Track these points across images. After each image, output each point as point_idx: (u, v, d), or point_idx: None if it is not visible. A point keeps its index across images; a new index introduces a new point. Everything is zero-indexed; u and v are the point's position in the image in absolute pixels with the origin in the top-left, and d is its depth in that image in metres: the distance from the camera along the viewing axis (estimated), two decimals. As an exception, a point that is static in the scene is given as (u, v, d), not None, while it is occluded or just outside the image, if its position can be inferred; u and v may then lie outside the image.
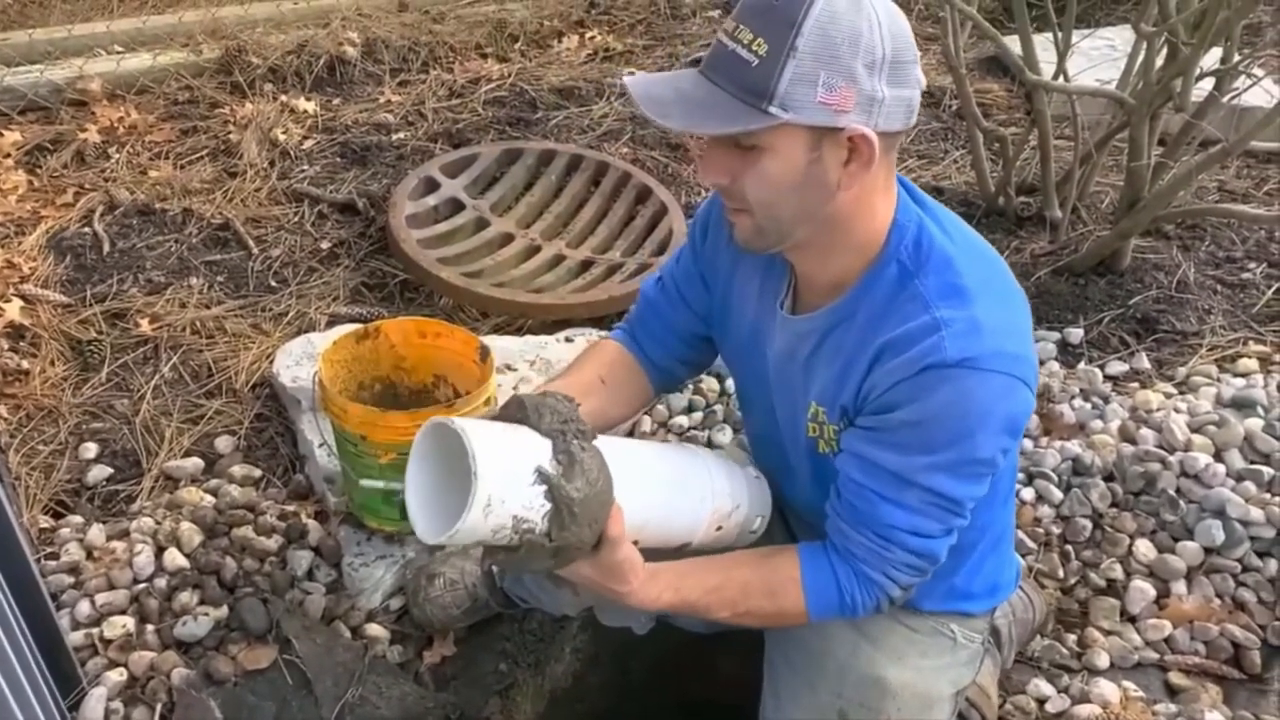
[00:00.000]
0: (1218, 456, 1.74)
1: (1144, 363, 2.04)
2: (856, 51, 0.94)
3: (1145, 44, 2.12)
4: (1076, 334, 2.12)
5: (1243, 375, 1.97)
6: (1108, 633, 1.58)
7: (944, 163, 2.80)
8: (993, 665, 1.41)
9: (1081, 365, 2.04)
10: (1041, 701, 1.48)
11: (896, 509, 1.05)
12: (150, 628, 1.46)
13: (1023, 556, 1.66)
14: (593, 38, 3.42)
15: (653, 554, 1.10)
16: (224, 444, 1.82)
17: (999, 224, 2.48)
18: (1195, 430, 1.79)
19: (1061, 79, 2.29)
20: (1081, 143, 2.32)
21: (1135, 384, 2.00)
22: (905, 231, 1.05)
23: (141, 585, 1.52)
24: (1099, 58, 2.83)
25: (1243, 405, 1.84)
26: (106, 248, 2.26)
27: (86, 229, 2.31)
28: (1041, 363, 2.07)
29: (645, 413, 1.91)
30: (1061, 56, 2.28)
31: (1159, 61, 2.12)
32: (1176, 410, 1.85)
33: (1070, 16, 2.28)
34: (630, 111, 2.99)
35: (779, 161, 0.98)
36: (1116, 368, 2.04)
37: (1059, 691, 1.49)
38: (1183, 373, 2.01)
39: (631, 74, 1.08)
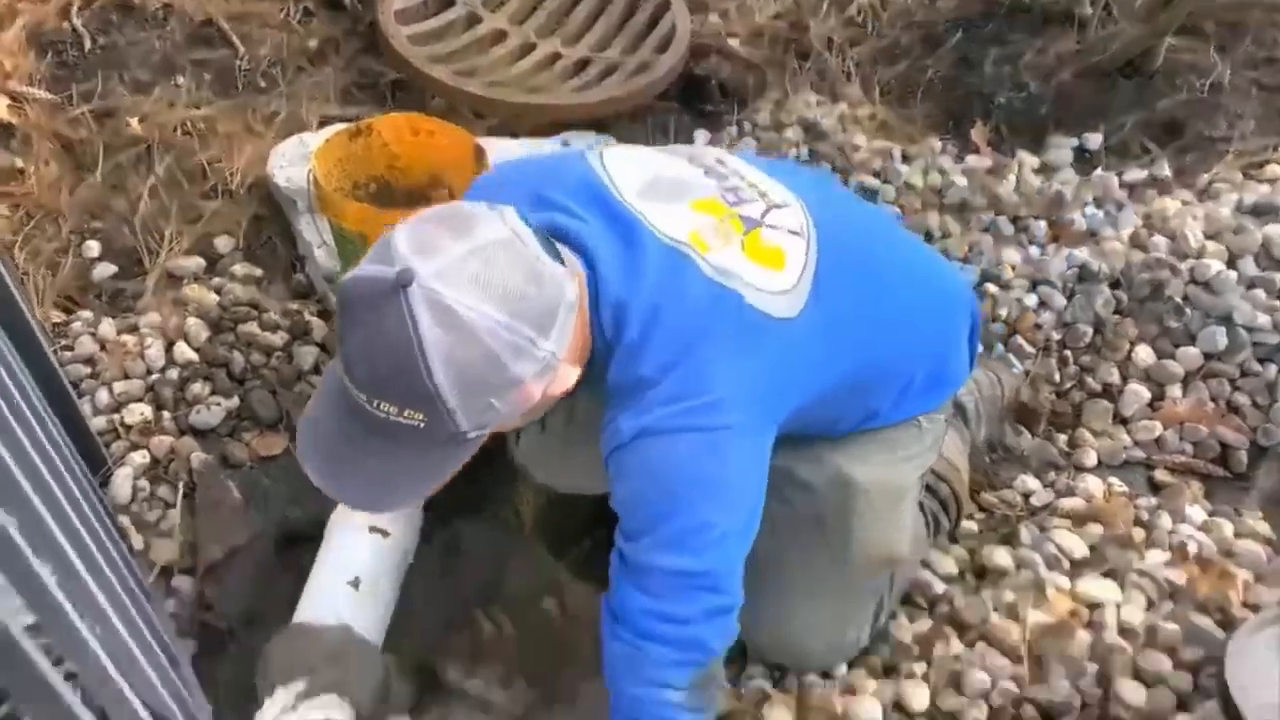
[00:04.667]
0: (1231, 264, 1.71)
1: (1164, 170, 1.97)
2: (499, 363, 0.87)
3: None
4: (1095, 140, 2.05)
5: (1269, 182, 1.90)
6: (1099, 434, 1.61)
7: (971, -44, 2.60)
8: (960, 440, 1.43)
9: (1098, 172, 1.97)
10: (1027, 495, 1.52)
11: (642, 595, 0.99)
12: (167, 415, 1.50)
13: (1020, 361, 1.67)
14: None
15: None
16: (224, 244, 1.81)
17: (1023, 23, 2.33)
18: (1210, 237, 1.76)
19: None
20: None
21: (1153, 191, 1.94)
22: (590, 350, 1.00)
23: (155, 376, 1.55)
24: None
25: (1263, 212, 1.79)
26: (88, 44, 2.17)
27: (65, 24, 2.21)
28: (1055, 169, 2.00)
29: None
30: None
31: None
32: (1193, 217, 1.80)
33: None
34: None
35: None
36: (1135, 175, 1.97)
37: (1044, 486, 1.54)
38: (1205, 180, 1.95)
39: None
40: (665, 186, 1.05)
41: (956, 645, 1.31)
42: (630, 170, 1.06)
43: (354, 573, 1.21)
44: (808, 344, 1.02)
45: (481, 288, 0.85)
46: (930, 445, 1.27)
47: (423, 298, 0.84)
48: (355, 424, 0.91)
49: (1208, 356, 1.64)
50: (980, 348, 1.50)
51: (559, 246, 0.96)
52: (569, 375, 0.95)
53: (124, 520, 1.37)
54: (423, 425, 0.88)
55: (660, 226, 1.00)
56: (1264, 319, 1.62)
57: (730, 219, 1.03)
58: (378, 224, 1.47)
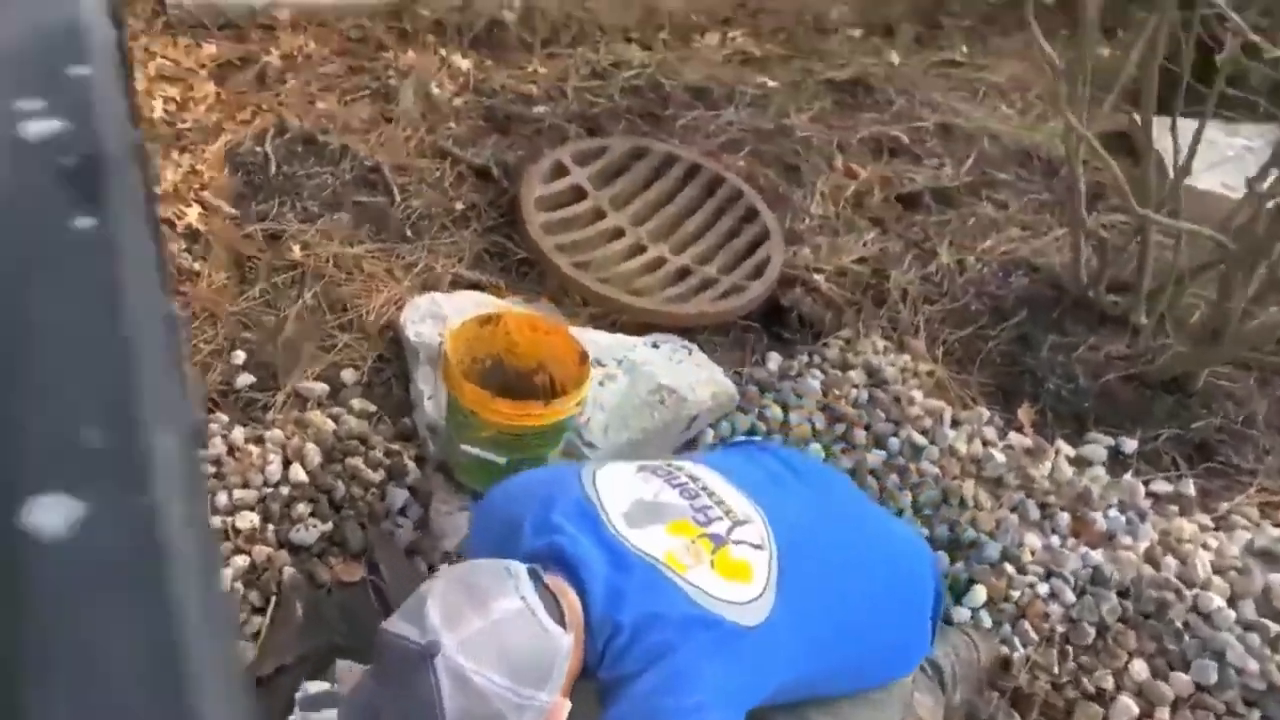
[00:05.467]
0: (1231, 602, 1.85)
1: (1190, 489, 2.13)
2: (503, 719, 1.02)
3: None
4: (1130, 445, 2.22)
5: (1280, 526, 2.06)
6: (1085, 737, 1.72)
7: (1046, 238, 2.85)
8: (933, 701, 1.56)
9: (1127, 476, 2.14)
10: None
11: None
12: (271, 527, 1.72)
13: (1024, 646, 1.81)
14: (734, 38, 3.51)
15: None
16: (349, 376, 2.06)
17: (1083, 317, 2.55)
18: (1218, 571, 1.90)
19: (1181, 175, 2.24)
20: (1180, 263, 2.36)
21: (1175, 508, 2.09)
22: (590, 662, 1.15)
23: (269, 490, 1.78)
24: (1232, 155, 2.78)
25: (1272, 558, 1.93)
26: (273, 170, 2.51)
27: (259, 148, 2.56)
28: (1089, 464, 2.18)
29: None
30: (1188, 156, 2.20)
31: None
32: (1205, 548, 1.95)
33: (1208, 112, 2.19)
34: (755, 124, 3.11)
35: None
36: (1161, 487, 2.13)
37: (1027, 780, 1.65)
38: (1224, 508, 2.10)
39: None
40: (645, 510, 1.25)
41: None
42: (617, 495, 1.26)
43: None
44: (777, 645, 1.19)
45: (495, 659, 1.03)
46: (899, 705, 1.43)
47: (445, 668, 1.01)
48: None
49: (1199, 687, 1.75)
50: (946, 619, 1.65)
51: (556, 578, 1.15)
52: (562, 709, 1.10)
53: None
54: None
55: (643, 549, 1.20)
56: (1254, 665, 1.74)
57: (700, 539, 1.22)
58: (487, 407, 1.72)
